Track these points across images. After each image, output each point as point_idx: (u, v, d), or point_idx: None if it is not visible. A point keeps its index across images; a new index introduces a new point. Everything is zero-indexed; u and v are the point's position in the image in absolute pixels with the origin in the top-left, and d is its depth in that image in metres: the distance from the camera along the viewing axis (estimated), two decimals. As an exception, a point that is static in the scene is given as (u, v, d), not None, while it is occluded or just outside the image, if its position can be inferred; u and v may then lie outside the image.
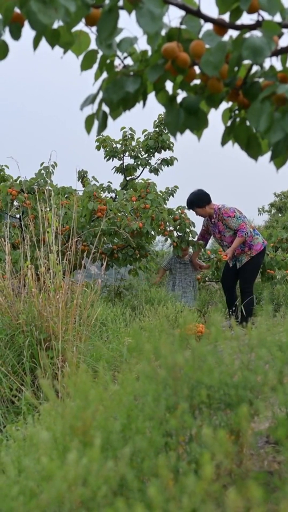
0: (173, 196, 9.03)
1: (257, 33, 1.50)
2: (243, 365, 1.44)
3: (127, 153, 10.17)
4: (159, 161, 10.20)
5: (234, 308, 6.23)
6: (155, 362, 1.45)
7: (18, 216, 7.26)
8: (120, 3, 1.48)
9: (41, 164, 7.28)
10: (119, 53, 1.58)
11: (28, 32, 1.49)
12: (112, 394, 1.41)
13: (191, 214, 8.30)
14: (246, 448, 1.41)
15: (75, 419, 1.29)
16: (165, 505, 1.01)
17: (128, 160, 10.30)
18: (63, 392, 2.55)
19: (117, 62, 1.64)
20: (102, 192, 7.86)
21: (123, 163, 10.30)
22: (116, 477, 1.13)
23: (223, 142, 1.73)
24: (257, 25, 1.54)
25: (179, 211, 8.15)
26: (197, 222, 8.20)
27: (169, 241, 7.92)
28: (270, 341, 1.50)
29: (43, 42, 1.52)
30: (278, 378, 1.40)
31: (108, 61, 1.64)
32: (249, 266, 6.28)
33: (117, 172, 10.43)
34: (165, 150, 9.89)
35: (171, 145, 9.75)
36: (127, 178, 10.35)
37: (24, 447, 1.50)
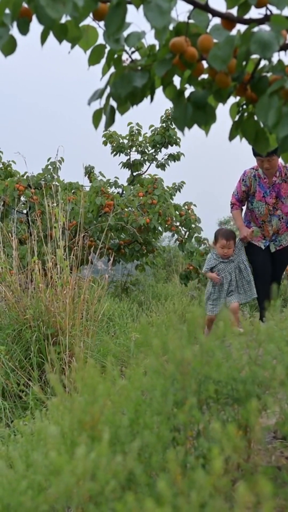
0: (179, 191, 9.04)
1: (265, 27, 1.49)
2: (251, 360, 1.44)
3: (134, 148, 10.18)
4: (166, 156, 10.21)
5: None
6: (163, 357, 1.45)
7: (25, 211, 7.29)
8: (128, -3, 1.47)
9: (48, 160, 7.31)
10: (126, 47, 1.58)
11: (36, 27, 1.48)
12: (120, 389, 1.42)
13: (197, 211, 8.27)
14: (254, 443, 1.41)
15: (83, 414, 1.29)
16: (174, 499, 1.02)
17: (135, 156, 10.34)
18: (71, 387, 2.56)
19: (124, 56, 1.64)
20: (109, 188, 7.88)
21: (130, 159, 10.32)
22: (124, 472, 1.13)
23: (231, 137, 1.73)
24: (266, 19, 1.53)
25: (186, 206, 8.15)
26: (203, 218, 8.13)
27: (176, 236, 7.94)
28: (278, 336, 1.50)
29: (51, 37, 1.51)
30: (286, 373, 1.39)
31: (115, 55, 1.64)
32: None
33: (124, 168, 10.45)
34: (172, 145, 9.90)
35: (178, 140, 9.74)
36: (134, 174, 10.36)
37: (32, 441, 1.50)
